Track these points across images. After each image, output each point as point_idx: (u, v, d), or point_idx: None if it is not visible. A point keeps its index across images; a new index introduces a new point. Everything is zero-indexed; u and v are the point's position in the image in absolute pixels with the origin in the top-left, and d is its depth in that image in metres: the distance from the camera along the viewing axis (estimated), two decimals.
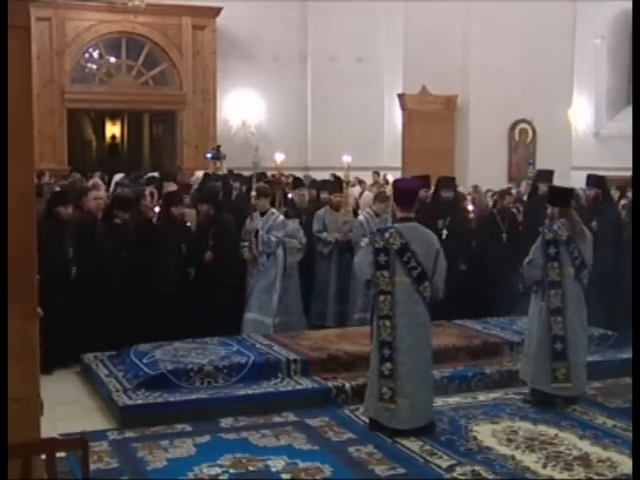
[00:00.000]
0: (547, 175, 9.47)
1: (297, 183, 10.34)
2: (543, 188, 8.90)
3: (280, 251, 8.06)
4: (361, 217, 8.81)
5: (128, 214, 7.74)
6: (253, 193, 8.14)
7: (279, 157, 8.85)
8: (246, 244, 8.02)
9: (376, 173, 15.18)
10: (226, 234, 8.07)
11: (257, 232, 7.95)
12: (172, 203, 8.09)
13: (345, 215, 8.84)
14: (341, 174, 11.76)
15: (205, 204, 8.22)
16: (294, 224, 8.34)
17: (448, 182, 9.22)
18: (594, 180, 8.74)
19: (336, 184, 9.39)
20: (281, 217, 8.16)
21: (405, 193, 5.90)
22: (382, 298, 5.62)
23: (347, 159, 9.28)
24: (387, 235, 5.66)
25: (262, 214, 8.09)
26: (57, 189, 9.51)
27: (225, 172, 13.88)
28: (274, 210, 8.18)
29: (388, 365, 5.60)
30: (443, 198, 8.93)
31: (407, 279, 5.59)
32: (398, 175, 15.17)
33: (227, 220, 8.25)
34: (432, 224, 7.42)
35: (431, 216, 8.24)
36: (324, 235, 8.73)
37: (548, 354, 6.25)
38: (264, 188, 8.37)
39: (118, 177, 12.66)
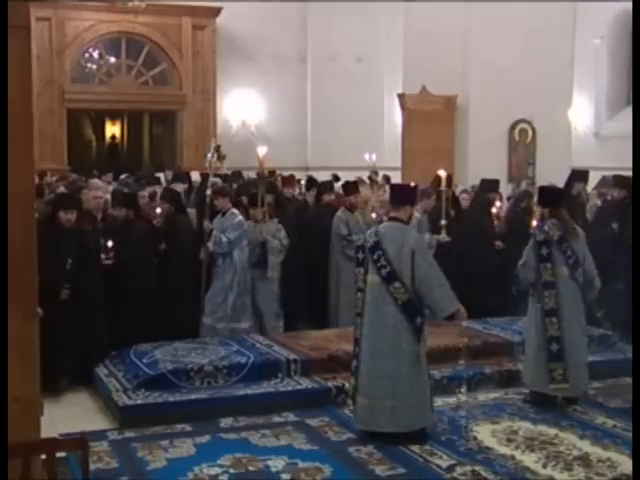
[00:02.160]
0: (582, 175, 9.22)
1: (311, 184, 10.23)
2: (578, 188, 8.76)
3: (236, 253, 7.84)
4: (417, 214, 8.63)
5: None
6: (208, 192, 7.86)
7: (261, 151, 8.55)
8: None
9: (374, 172, 15.14)
10: (178, 234, 7.85)
11: (212, 232, 7.79)
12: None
13: (366, 216, 8.72)
14: (339, 175, 11.77)
15: (167, 204, 8.07)
16: (274, 224, 8.07)
17: (491, 185, 9.41)
18: (620, 181, 8.70)
19: (353, 185, 9.19)
20: (239, 218, 7.95)
21: (395, 192, 5.96)
22: (358, 295, 5.69)
23: (372, 158, 9.21)
24: (368, 233, 5.74)
25: (223, 214, 7.94)
26: (61, 189, 9.46)
27: (225, 172, 13.86)
28: (234, 210, 8.02)
29: (354, 362, 5.68)
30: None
31: (377, 278, 5.54)
32: (398, 175, 15.22)
33: (181, 221, 8.07)
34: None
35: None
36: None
37: (545, 355, 6.26)
38: (222, 187, 8.30)
39: (121, 177, 12.68)
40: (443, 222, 8.36)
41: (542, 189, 7.01)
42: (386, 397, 5.50)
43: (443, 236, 8.40)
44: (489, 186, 9.53)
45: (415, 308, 5.50)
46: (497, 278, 8.67)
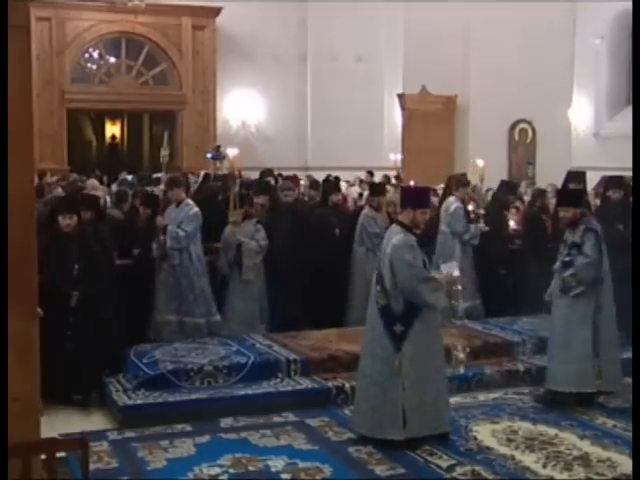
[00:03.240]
0: (579, 176, 9.11)
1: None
2: (615, 195, 8.48)
3: (192, 247, 7.55)
4: (457, 204, 8.66)
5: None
6: (161, 186, 7.63)
7: (232, 152, 8.39)
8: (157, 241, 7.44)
9: (369, 173, 15.15)
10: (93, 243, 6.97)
11: (166, 227, 7.38)
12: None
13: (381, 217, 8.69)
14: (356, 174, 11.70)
15: (147, 209, 7.79)
16: (252, 224, 7.83)
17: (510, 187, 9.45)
18: (618, 182, 8.66)
19: (381, 186, 9.17)
20: (195, 209, 7.58)
21: (400, 195, 5.92)
22: None
23: (396, 157, 9.20)
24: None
25: (177, 205, 7.58)
26: (58, 191, 9.43)
27: (225, 172, 13.86)
28: (189, 201, 7.70)
29: None
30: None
31: (374, 278, 5.62)
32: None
33: (100, 229, 7.31)
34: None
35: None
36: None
37: (592, 353, 6.24)
38: (176, 177, 8.04)
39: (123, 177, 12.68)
40: (482, 211, 8.45)
41: (568, 191, 6.93)
42: (363, 398, 5.53)
43: (482, 225, 8.51)
44: (507, 188, 9.54)
45: (392, 314, 5.35)
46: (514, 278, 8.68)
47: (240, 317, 7.75)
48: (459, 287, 5.56)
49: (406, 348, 5.33)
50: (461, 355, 5.87)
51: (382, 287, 5.41)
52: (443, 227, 8.63)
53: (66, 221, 6.35)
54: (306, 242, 8.40)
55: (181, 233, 7.41)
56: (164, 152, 8.28)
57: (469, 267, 8.52)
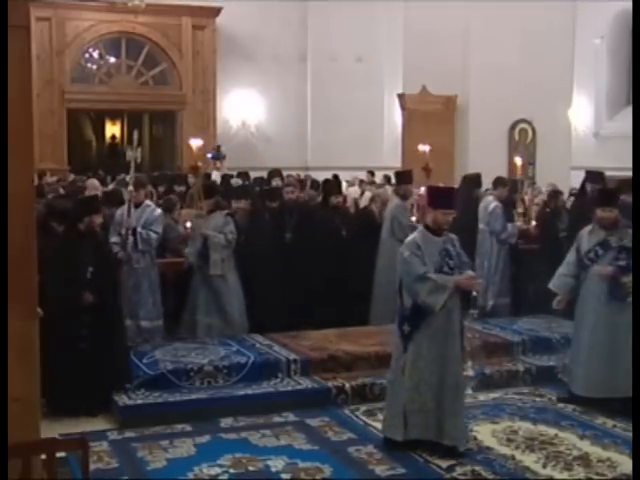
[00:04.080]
0: (598, 177, 8.90)
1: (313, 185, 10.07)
2: (592, 189, 8.46)
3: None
4: (495, 203, 8.66)
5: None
6: (130, 187, 7.27)
7: (195, 142, 8.35)
8: (118, 241, 7.17)
9: (370, 173, 15.17)
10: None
11: (135, 230, 7.20)
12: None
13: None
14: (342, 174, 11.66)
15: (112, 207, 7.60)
16: (222, 217, 7.63)
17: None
18: (597, 177, 8.59)
19: (408, 174, 8.93)
20: (159, 210, 7.56)
21: (428, 194, 5.74)
22: None
23: (425, 149, 9.16)
24: None
25: (136, 206, 7.33)
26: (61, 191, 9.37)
27: (226, 172, 13.88)
28: (149, 202, 7.64)
29: None
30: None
31: None
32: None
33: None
34: None
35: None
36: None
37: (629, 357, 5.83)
38: (141, 179, 7.87)
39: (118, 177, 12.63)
40: (520, 210, 8.47)
41: (610, 191, 6.65)
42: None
43: (520, 224, 8.56)
44: (514, 187, 9.50)
45: (403, 314, 5.32)
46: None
47: (208, 312, 7.54)
48: (474, 293, 5.32)
49: (410, 350, 5.27)
50: (470, 372, 5.57)
51: (399, 285, 5.39)
52: (481, 226, 8.67)
53: (99, 220, 6.33)
54: (312, 244, 8.34)
55: (153, 235, 7.34)
56: (131, 153, 7.98)
57: (504, 266, 8.64)
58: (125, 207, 7.20)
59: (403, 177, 8.77)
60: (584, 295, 6.28)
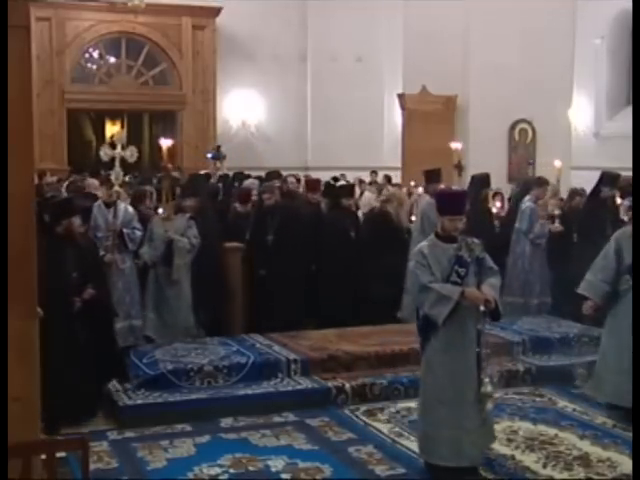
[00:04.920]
0: (613, 179, 8.78)
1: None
2: (607, 193, 8.48)
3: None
4: (530, 203, 8.65)
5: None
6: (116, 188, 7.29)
7: (164, 142, 8.31)
8: (106, 243, 7.06)
9: (374, 172, 15.17)
10: None
11: (122, 231, 7.15)
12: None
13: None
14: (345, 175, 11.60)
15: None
16: (185, 219, 7.52)
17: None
18: (613, 180, 8.54)
19: (437, 173, 8.97)
20: (130, 207, 7.47)
21: (435, 200, 5.52)
22: None
23: (458, 147, 9.07)
24: None
25: (108, 206, 7.25)
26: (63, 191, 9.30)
27: (225, 172, 13.86)
28: (119, 201, 7.42)
29: None
30: None
31: None
32: (398, 175, 15.22)
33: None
34: None
35: None
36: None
37: None
38: (106, 178, 7.69)
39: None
40: (557, 212, 8.44)
41: None
42: None
43: (556, 225, 8.50)
44: (528, 185, 9.43)
45: (418, 325, 5.08)
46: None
47: (166, 318, 7.44)
48: (482, 308, 4.87)
49: (422, 364, 5.05)
50: (489, 388, 4.93)
51: None
52: (517, 225, 8.76)
53: (77, 222, 6.08)
54: (321, 246, 8.36)
55: (138, 233, 7.31)
56: (108, 152, 7.66)
57: (539, 266, 8.68)
58: (97, 208, 7.20)
59: (432, 176, 8.84)
60: (627, 306, 5.85)
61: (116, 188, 7.26)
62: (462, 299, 4.81)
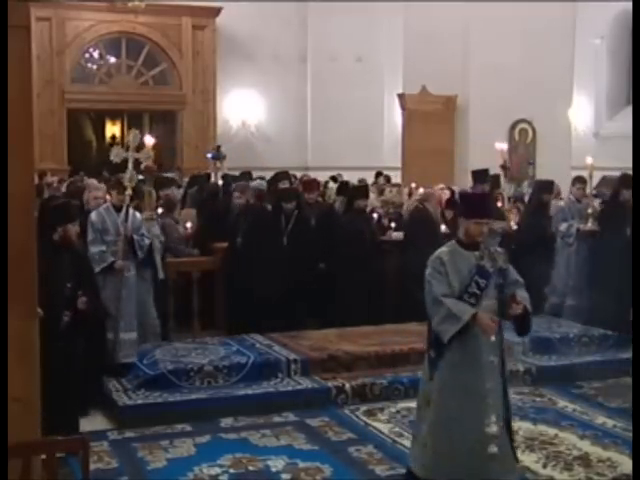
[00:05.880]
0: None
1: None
2: (626, 195, 8.20)
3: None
4: (561, 202, 8.54)
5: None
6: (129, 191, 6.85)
7: (149, 140, 7.93)
8: (105, 249, 6.73)
9: (379, 174, 15.15)
10: None
11: (132, 238, 6.79)
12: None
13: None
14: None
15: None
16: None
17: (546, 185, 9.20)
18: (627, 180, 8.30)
19: (485, 173, 8.94)
20: (138, 214, 7.10)
21: (460, 201, 5.20)
22: None
23: (503, 148, 9.08)
24: None
25: (118, 210, 6.86)
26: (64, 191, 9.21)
27: (226, 172, 13.85)
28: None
29: None
30: None
31: None
32: (398, 175, 15.22)
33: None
34: None
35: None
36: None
37: None
38: (117, 180, 7.19)
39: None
40: (590, 210, 8.21)
41: None
42: None
43: (589, 225, 8.19)
44: (543, 187, 9.25)
45: (429, 337, 4.66)
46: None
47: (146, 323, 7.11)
48: (492, 338, 4.46)
49: (435, 379, 4.57)
50: (494, 429, 4.47)
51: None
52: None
53: (75, 228, 5.71)
54: (334, 249, 8.32)
55: (147, 241, 6.95)
56: (119, 152, 7.25)
57: (576, 267, 8.39)
58: (105, 211, 6.88)
59: (480, 176, 8.85)
60: None
61: (129, 191, 6.80)
62: (473, 322, 4.38)
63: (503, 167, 9.65)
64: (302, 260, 8.13)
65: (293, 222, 8.33)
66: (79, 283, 5.60)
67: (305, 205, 8.72)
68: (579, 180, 8.80)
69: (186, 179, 12.11)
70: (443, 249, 4.65)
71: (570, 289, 8.52)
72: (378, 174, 15.05)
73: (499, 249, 4.74)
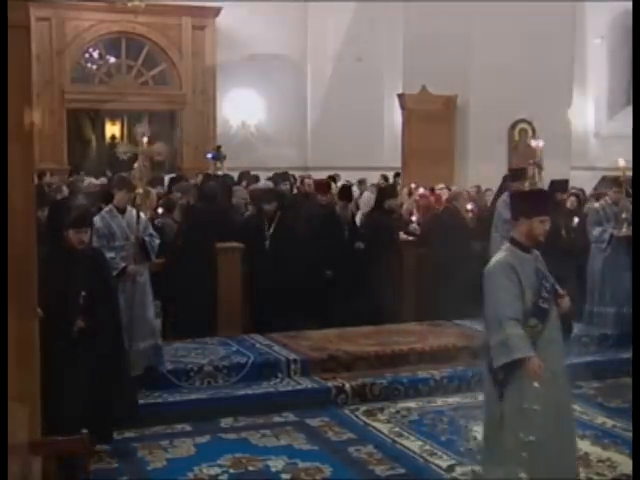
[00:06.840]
0: None
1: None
2: None
3: None
4: (597, 204, 8.24)
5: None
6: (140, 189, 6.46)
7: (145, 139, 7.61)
8: (113, 255, 6.22)
9: (384, 176, 15.14)
10: None
11: (144, 240, 6.36)
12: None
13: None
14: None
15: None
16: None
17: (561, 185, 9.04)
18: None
19: (521, 172, 8.91)
20: (143, 214, 6.58)
21: (515, 202, 4.78)
22: None
23: (539, 144, 8.99)
24: None
25: (123, 211, 6.45)
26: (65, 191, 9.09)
27: (226, 172, 13.87)
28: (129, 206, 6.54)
29: None
30: None
31: None
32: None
33: None
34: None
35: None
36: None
37: None
38: (124, 179, 6.76)
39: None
40: (624, 215, 7.78)
41: None
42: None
43: (624, 230, 7.78)
44: (558, 186, 9.07)
45: (488, 353, 4.30)
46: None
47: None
48: (535, 384, 4.05)
49: (507, 397, 4.17)
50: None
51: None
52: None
53: (80, 236, 5.12)
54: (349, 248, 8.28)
55: (157, 242, 6.54)
56: (125, 149, 6.80)
57: (610, 273, 8.02)
58: (109, 214, 6.42)
59: (517, 175, 8.77)
60: None
61: (139, 190, 6.35)
62: (521, 362, 4.07)
63: (537, 165, 9.56)
64: (288, 261, 7.88)
65: (275, 224, 8.08)
66: (95, 291, 5.14)
67: (304, 206, 8.72)
68: (617, 183, 8.11)
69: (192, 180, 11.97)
70: (505, 253, 4.30)
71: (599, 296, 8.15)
72: (383, 177, 15.05)
73: (536, 251, 4.42)
